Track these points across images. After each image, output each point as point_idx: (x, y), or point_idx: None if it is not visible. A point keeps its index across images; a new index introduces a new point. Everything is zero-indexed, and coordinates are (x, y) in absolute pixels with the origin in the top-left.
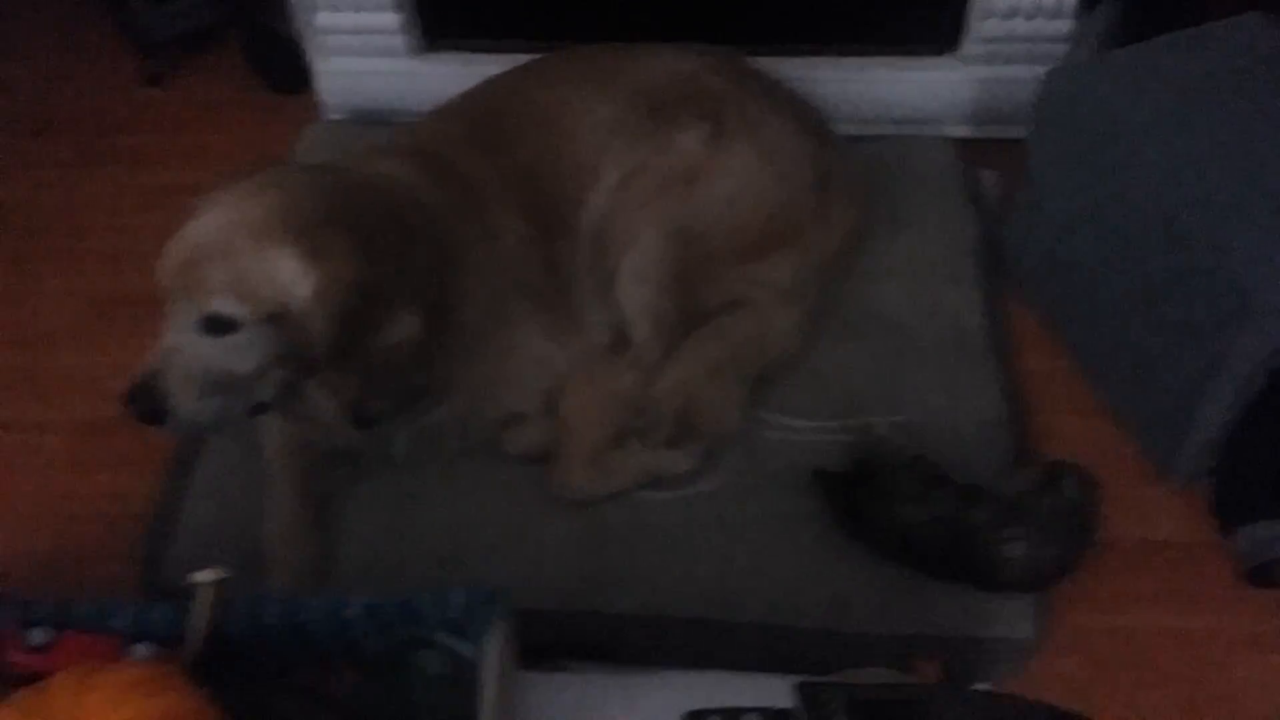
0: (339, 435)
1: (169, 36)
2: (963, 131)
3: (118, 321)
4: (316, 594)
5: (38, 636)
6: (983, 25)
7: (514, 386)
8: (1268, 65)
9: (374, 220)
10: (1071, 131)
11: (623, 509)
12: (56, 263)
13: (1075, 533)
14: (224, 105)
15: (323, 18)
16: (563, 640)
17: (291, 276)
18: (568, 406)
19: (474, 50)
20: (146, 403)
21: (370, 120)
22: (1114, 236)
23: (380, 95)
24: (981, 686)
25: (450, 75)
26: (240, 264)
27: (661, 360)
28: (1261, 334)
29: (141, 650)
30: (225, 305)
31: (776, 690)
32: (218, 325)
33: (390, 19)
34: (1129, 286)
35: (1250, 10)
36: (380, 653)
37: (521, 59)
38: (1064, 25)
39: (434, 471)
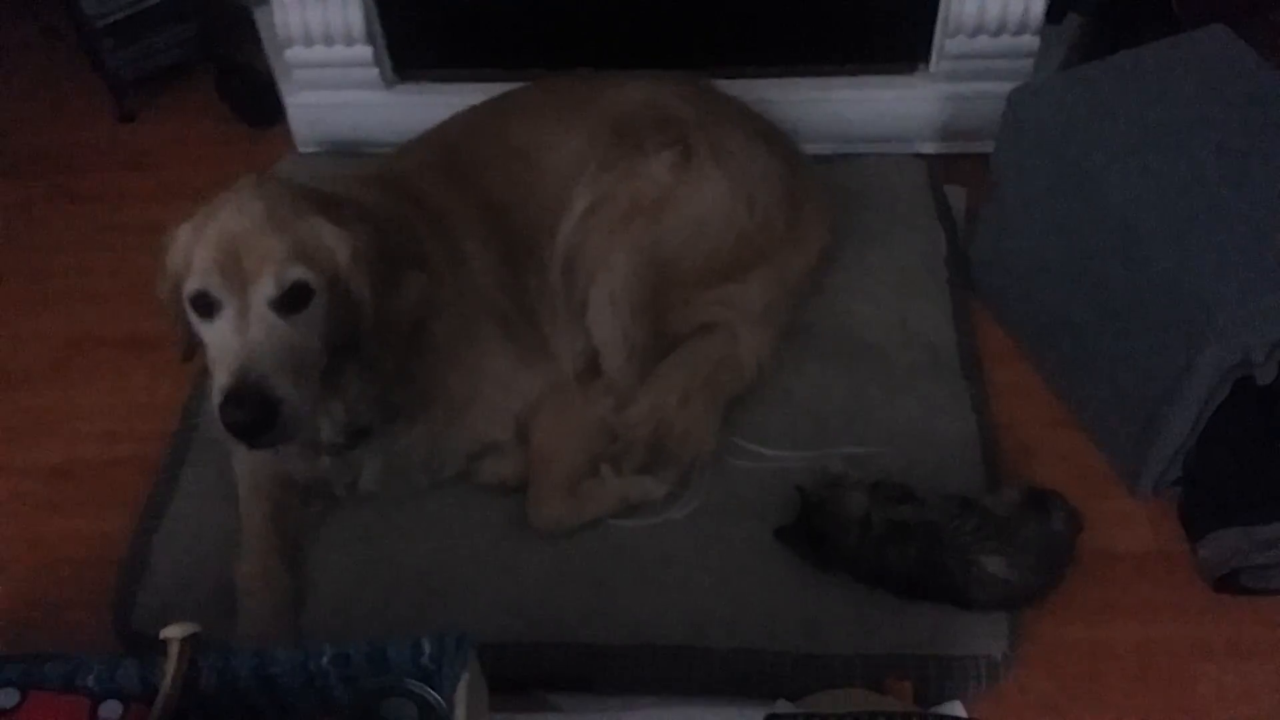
0: (317, 462)
1: (141, 73)
2: (931, 148)
3: (93, 362)
4: (289, 637)
5: (6, 698)
6: (950, 43)
7: (483, 409)
8: (1231, 79)
9: (360, 208)
10: (1035, 149)
11: (596, 538)
12: (29, 303)
13: (1054, 563)
14: (197, 141)
15: (293, 52)
16: (538, 672)
17: (333, 241)
18: (540, 435)
19: (444, 81)
20: (255, 400)
21: (343, 152)
22: (1078, 252)
23: (352, 127)
24: (953, 704)
25: (421, 106)
26: (296, 234)
27: (634, 386)
28: (1225, 345)
29: (110, 708)
30: (301, 272)
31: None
32: (294, 299)
33: (361, 52)
34: (1093, 300)
35: (1213, 23)
36: (350, 703)
37: (491, 88)
38: (1030, 41)
39: (406, 506)
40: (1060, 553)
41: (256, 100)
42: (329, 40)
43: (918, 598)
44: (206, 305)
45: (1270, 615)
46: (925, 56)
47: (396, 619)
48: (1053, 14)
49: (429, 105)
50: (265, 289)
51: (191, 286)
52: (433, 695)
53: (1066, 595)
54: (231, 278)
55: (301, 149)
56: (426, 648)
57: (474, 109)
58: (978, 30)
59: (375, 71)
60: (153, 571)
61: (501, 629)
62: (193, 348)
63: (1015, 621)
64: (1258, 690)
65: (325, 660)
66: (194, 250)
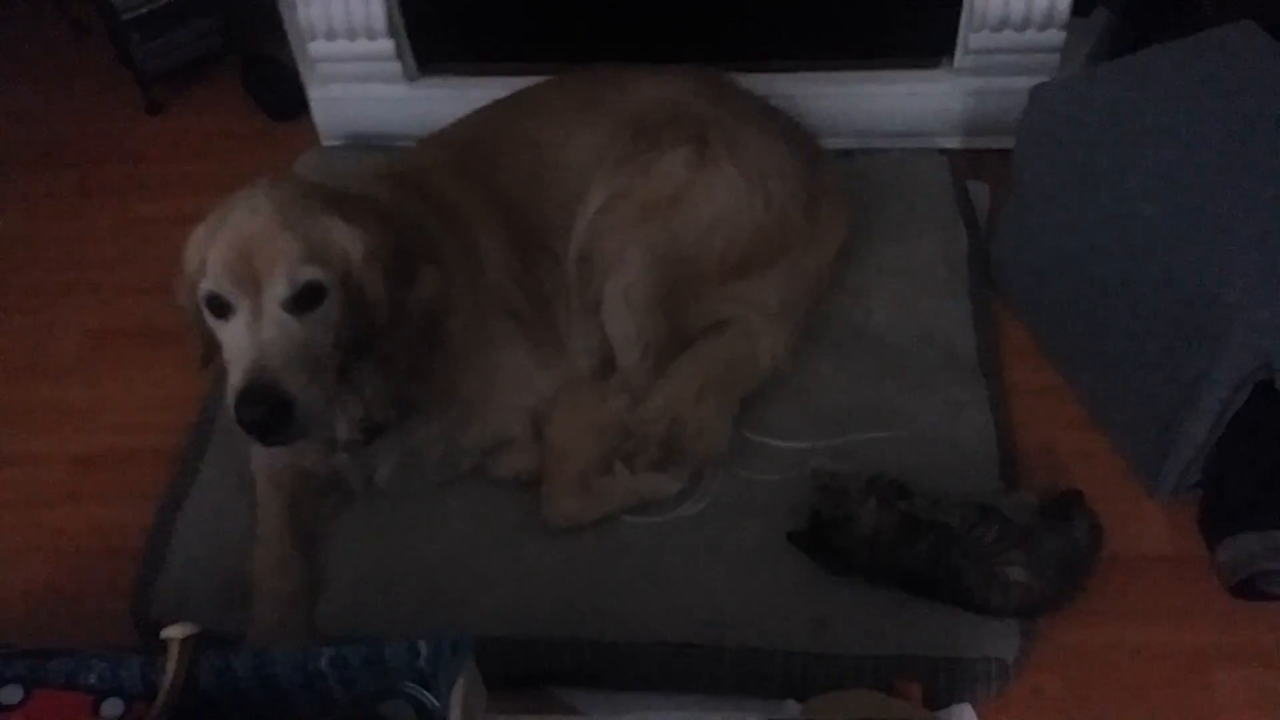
0: (334, 458)
1: (168, 66)
2: (954, 143)
3: (117, 354)
4: (302, 629)
5: (9, 695)
6: (974, 37)
7: (499, 405)
8: (1257, 77)
9: (374, 205)
10: (1057, 147)
11: (608, 535)
12: (56, 294)
13: (1074, 573)
14: (222, 133)
15: (317, 46)
16: (549, 668)
17: (346, 240)
18: (554, 431)
19: (466, 74)
20: (268, 399)
21: (367, 145)
22: (1098, 251)
23: (375, 121)
24: (963, 708)
25: (444, 99)
26: (307, 233)
27: (648, 383)
28: (1246, 349)
29: (112, 707)
30: (314, 272)
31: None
32: (307, 298)
33: (384, 45)
34: (1113, 301)
35: (1243, 19)
36: (348, 704)
37: (514, 82)
38: (1055, 36)
39: (421, 501)
40: (1082, 563)
41: (281, 93)
42: (351, 34)
43: (929, 597)
44: (220, 306)
45: None
46: (950, 51)
47: (409, 612)
48: (1080, 7)
49: (451, 99)
50: (277, 289)
51: (205, 288)
52: (429, 698)
53: (1082, 598)
54: (244, 278)
55: (325, 142)
56: (423, 650)
57: (491, 105)
58: (1003, 24)
59: (398, 65)
60: (170, 562)
61: (513, 624)
62: (211, 351)
63: (1027, 624)
64: (1274, 696)
65: (324, 662)
66: (208, 252)
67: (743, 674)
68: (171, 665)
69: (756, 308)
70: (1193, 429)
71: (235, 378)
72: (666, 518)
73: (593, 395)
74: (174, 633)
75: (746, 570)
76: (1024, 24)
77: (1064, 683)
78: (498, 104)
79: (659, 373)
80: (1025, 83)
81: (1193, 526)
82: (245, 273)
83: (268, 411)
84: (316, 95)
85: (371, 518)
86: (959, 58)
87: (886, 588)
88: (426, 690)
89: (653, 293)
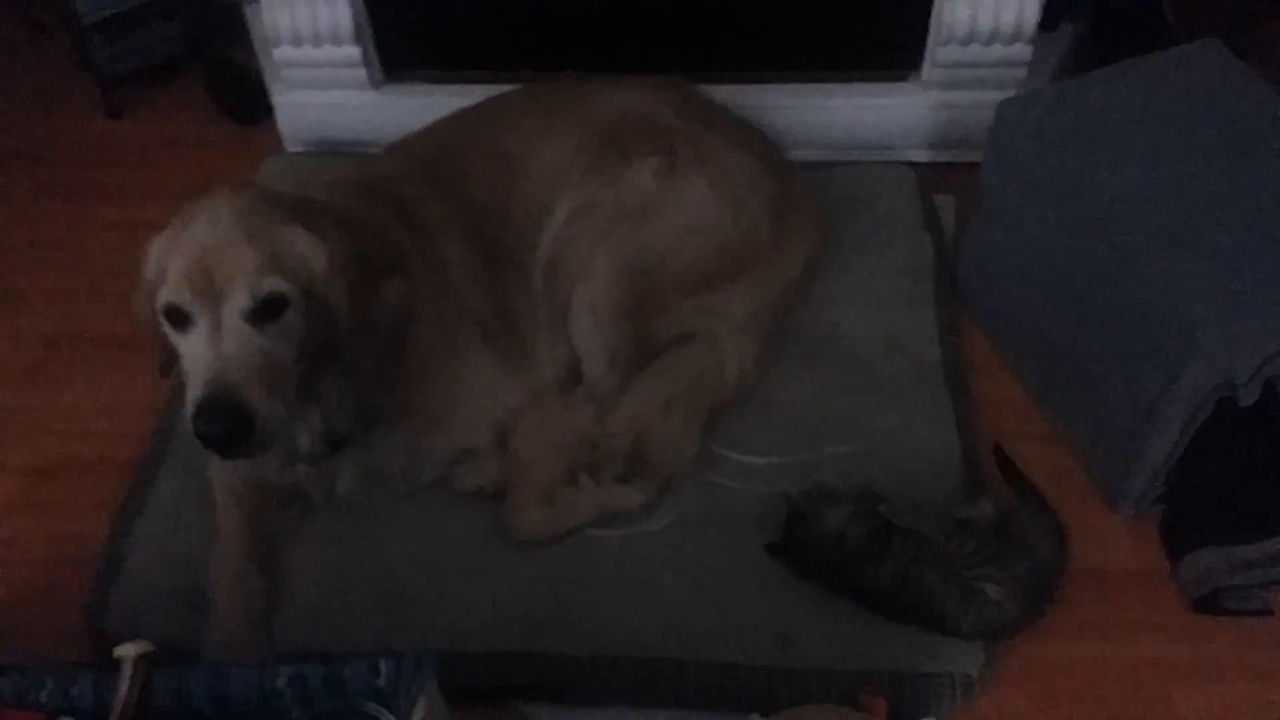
0: (295, 469)
1: (130, 70)
2: (921, 156)
3: (74, 361)
4: (260, 642)
5: None
6: (942, 51)
7: (463, 416)
8: (1221, 95)
9: (338, 215)
10: (1024, 161)
11: (573, 548)
12: (12, 300)
13: (1042, 592)
14: (185, 138)
15: (282, 51)
16: (513, 682)
17: (309, 250)
18: (519, 443)
19: (433, 82)
20: (228, 413)
21: (332, 152)
22: (1063, 266)
23: (341, 127)
24: None
25: (410, 107)
26: (269, 244)
27: (615, 395)
28: (1209, 365)
29: None
30: (275, 283)
31: None
32: (268, 310)
33: (349, 52)
34: (1077, 315)
35: (1207, 36)
36: None
37: (481, 90)
38: (1022, 50)
39: (383, 513)
40: (1050, 580)
41: (245, 99)
42: (317, 40)
43: (894, 618)
44: (180, 317)
45: (1250, 636)
46: (917, 64)
47: (370, 626)
48: (1047, 22)
49: (417, 106)
50: (238, 300)
51: (164, 298)
52: (389, 717)
53: (1047, 612)
54: (203, 290)
55: (290, 148)
56: (383, 669)
57: (458, 114)
58: (970, 39)
59: (363, 72)
60: (126, 574)
61: (477, 638)
62: (170, 360)
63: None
64: (1236, 712)
65: (281, 681)
66: (167, 262)
67: (708, 688)
68: (124, 684)
69: (724, 320)
70: (1156, 444)
71: (195, 391)
72: (632, 531)
73: (559, 406)
74: (127, 651)
75: (712, 584)
76: (991, 38)
77: (1028, 697)
78: (465, 112)
79: (625, 384)
80: (992, 97)
81: (1156, 541)
82: (205, 283)
83: (227, 426)
84: (281, 101)
85: (333, 530)
86: (927, 71)
87: (850, 601)
88: (386, 709)
89: (620, 304)
